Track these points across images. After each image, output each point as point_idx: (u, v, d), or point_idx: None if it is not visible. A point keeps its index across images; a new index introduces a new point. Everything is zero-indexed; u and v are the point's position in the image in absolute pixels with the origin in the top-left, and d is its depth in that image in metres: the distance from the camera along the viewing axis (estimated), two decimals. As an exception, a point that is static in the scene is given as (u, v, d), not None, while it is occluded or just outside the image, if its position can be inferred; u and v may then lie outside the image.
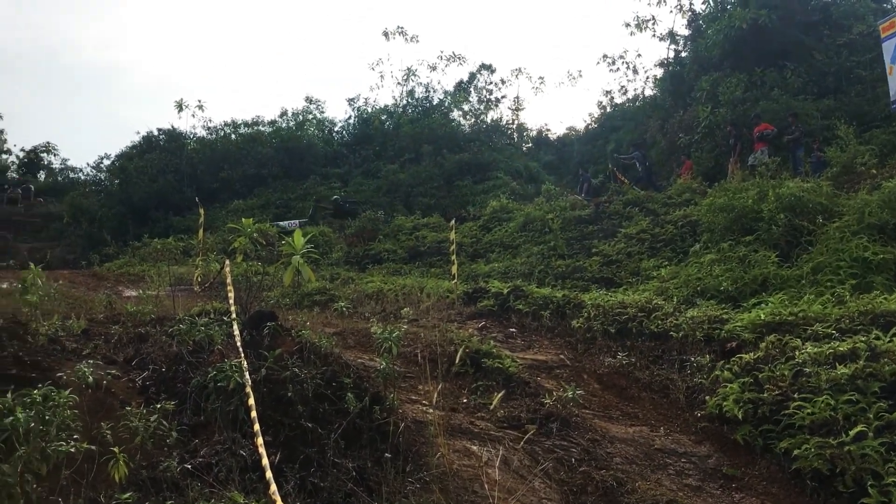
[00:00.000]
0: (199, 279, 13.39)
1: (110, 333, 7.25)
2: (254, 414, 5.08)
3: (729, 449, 6.70)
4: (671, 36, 34.68)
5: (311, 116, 42.93)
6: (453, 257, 13.77)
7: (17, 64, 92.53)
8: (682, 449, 6.71)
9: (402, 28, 43.23)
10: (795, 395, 6.38)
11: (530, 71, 46.64)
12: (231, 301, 7.46)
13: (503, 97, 44.04)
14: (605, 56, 41.15)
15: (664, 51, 36.58)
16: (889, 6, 26.77)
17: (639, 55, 40.28)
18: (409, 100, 42.38)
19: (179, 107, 39.44)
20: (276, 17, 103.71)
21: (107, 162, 41.66)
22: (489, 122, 42.59)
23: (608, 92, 42.56)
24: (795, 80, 23.90)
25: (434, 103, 41.74)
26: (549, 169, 38.13)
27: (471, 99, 42.77)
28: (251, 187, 36.34)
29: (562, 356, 9.35)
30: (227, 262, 8.46)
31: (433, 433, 5.77)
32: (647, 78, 40.15)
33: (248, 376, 5.42)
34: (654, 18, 35.58)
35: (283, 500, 4.28)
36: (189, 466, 4.70)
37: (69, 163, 50.47)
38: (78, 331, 7.22)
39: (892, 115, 19.32)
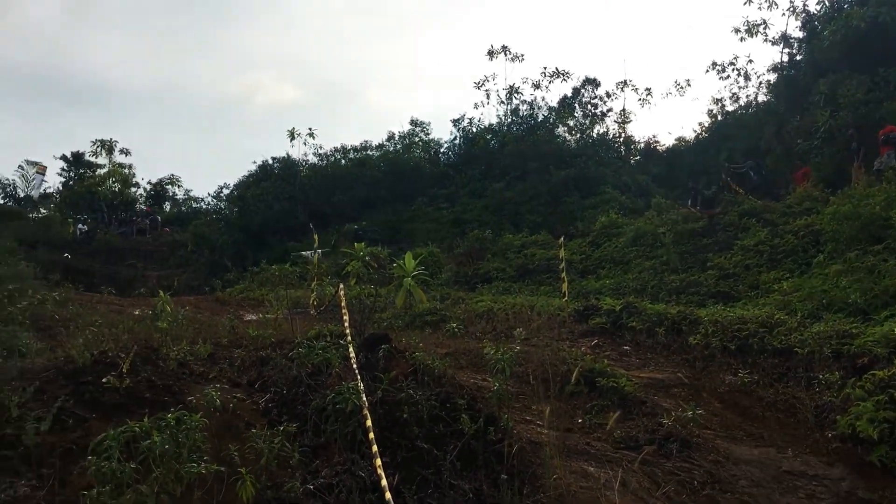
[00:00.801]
0: (315, 302, 13.80)
1: (234, 357, 7.55)
2: (371, 435, 5.19)
3: (864, 471, 6.40)
4: (784, 39, 33.34)
5: (416, 139, 43.52)
6: (563, 274, 13.63)
7: (142, 103, 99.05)
8: (813, 471, 6.43)
9: (506, 47, 43.21)
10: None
11: (636, 83, 45.01)
12: (346, 324, 7.66)
13: (609, 111, 43.21)
14: (714, 64, 39.40)
15: (777, 55, 34.79)
16: None
17: (750, 61, 38.29)
18: (514, 118, 42.32)
19: (292, 135, 40.87)
20: (380, 45, 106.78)
21: (226, 191, 43.55)
22: (595, 136, 41.85)
23: (718, 100, 40.86)
24: (921, 79, 22.46)
25: (538, 120, 41.45)
26: (659, 181, 37.11)
27: (576, 114, 42.19)
28: (362, 210, 37.22)
29: (679, 374, 9.11)
30: (341, 285, 8.70)
31: (549, 454, 5.71)
32: (760, 84, 38.39)
33: (364, 398, 5.55)
34: (765, 22, 34.21)
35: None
36: (311, 487, 4.84)
37: (192, 193, 52.96)
38: (204, 355, 7.52)
39: None
